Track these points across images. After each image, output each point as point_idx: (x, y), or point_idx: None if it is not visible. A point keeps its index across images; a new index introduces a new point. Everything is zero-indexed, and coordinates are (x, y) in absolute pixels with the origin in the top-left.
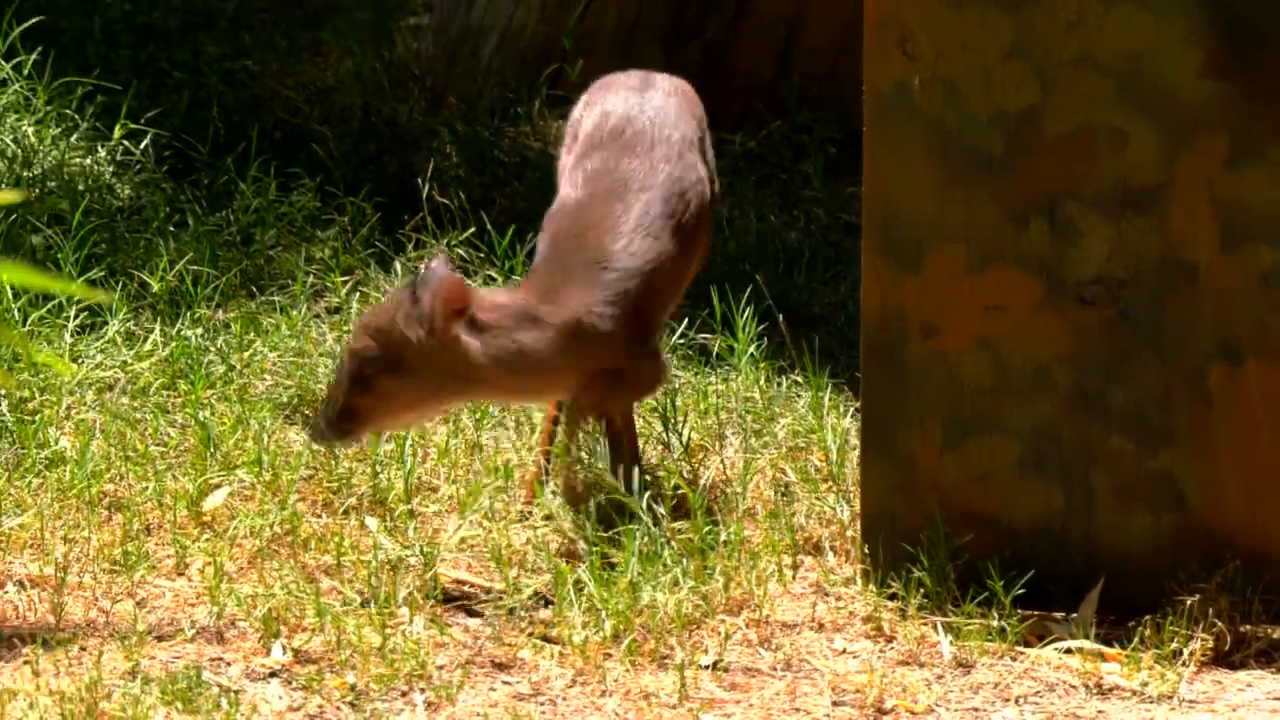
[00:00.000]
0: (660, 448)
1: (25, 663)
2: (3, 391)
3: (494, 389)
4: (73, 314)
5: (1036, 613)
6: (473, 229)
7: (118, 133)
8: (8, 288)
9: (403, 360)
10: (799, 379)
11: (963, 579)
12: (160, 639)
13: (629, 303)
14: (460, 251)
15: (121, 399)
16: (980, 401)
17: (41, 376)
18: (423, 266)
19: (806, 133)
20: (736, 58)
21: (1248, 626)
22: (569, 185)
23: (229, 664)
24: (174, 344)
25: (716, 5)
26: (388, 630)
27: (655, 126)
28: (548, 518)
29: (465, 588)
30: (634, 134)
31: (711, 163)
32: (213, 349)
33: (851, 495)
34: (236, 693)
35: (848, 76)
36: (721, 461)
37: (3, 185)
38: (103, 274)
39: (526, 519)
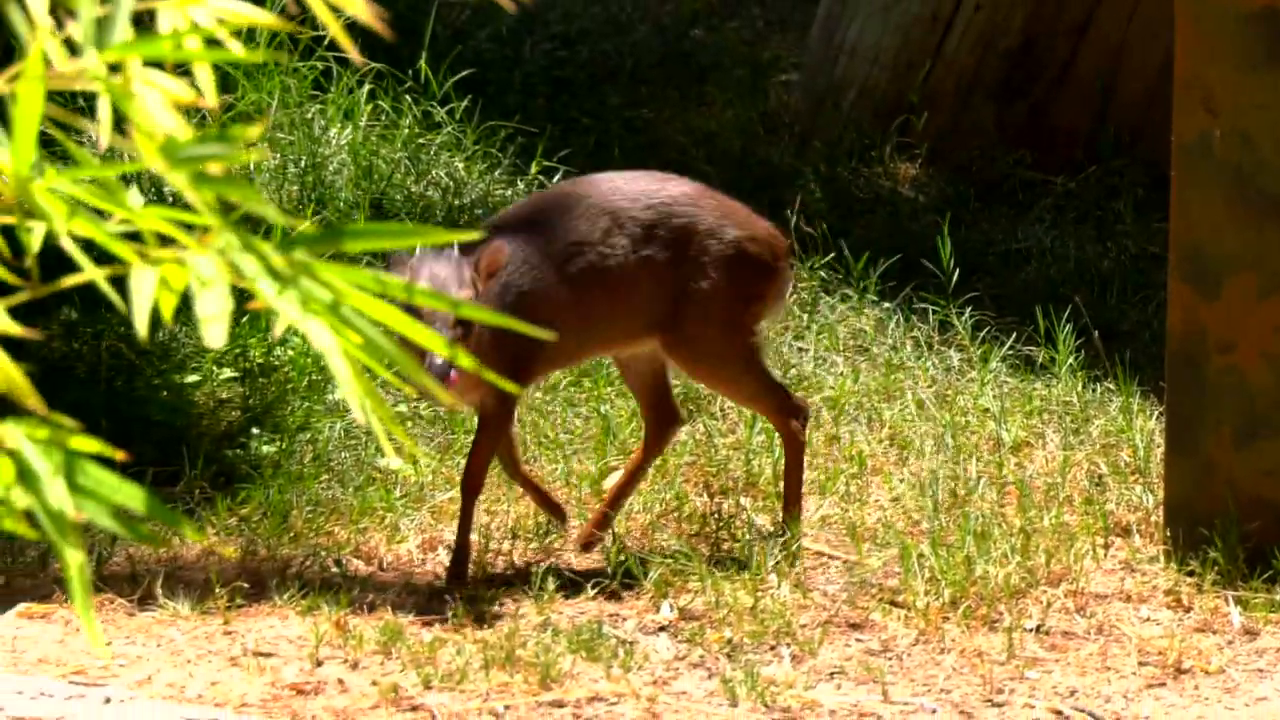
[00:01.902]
0: (992, 443)
1: (453, 615)
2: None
3: None
4: None
5: None
6: (833, 254)
7: (534, 169)
8: None
9: None
10: (1111, 386)
11: (1251, 559)
12: (567, 596)
13: None
14: (821, 274)
15: (535, 394)
16: (1268, 408)
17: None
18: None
19: (1119, 176)
20: (1059, 112)
21: None
22: None
23: (625, 619)
24: None
25: (1042, 67)
26: (759, 593)
27: None
28: (895, 500)
29: (824, 559)
30: None
31: None
32: None
33: (1156, 486)
34: (631, 643)
35: (1156, 128)
36: (1044, 456)
37: (437, 213)
38: None
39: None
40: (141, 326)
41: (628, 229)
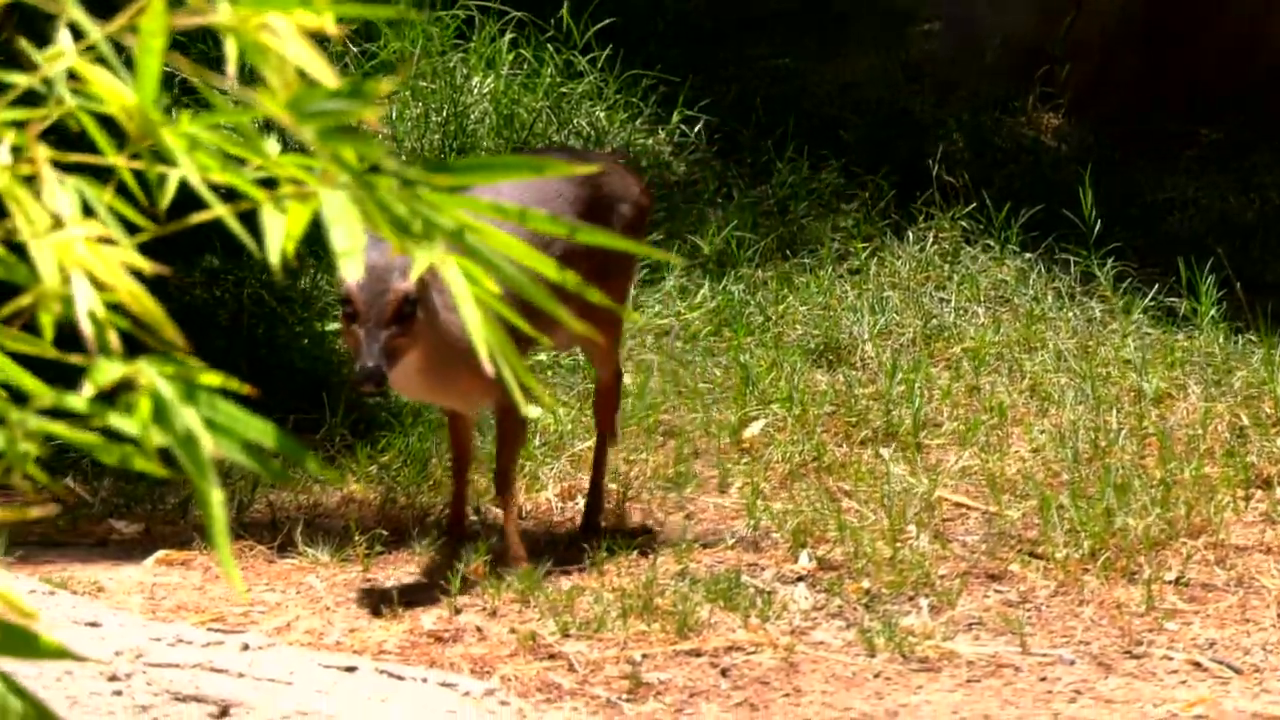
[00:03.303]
0: (1133, 394)
1: (592, 564)
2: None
3: None
4: (635, 272)
5: None
6: (974, 204)
7: (675, 118)
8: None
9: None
10: (1253, 338)
11: None
12: (705, 546)
13: None
14: (963, 224)
15: (675, 343)
16: None
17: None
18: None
19: (1264, 126)
20: (1204, 61)
21: None
22: None
23: (763, 569)
24: (720, 297)
25: (1187, 16)
26: (898, 544)
27: None
28: (1035, 451)
29: (964, 509)
30: None
31: None
32: (752, 302)
33: None
34: (769, 593)
35: None
36: (1185, 408)
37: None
38: (661, 237)
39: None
40: (274, 258)
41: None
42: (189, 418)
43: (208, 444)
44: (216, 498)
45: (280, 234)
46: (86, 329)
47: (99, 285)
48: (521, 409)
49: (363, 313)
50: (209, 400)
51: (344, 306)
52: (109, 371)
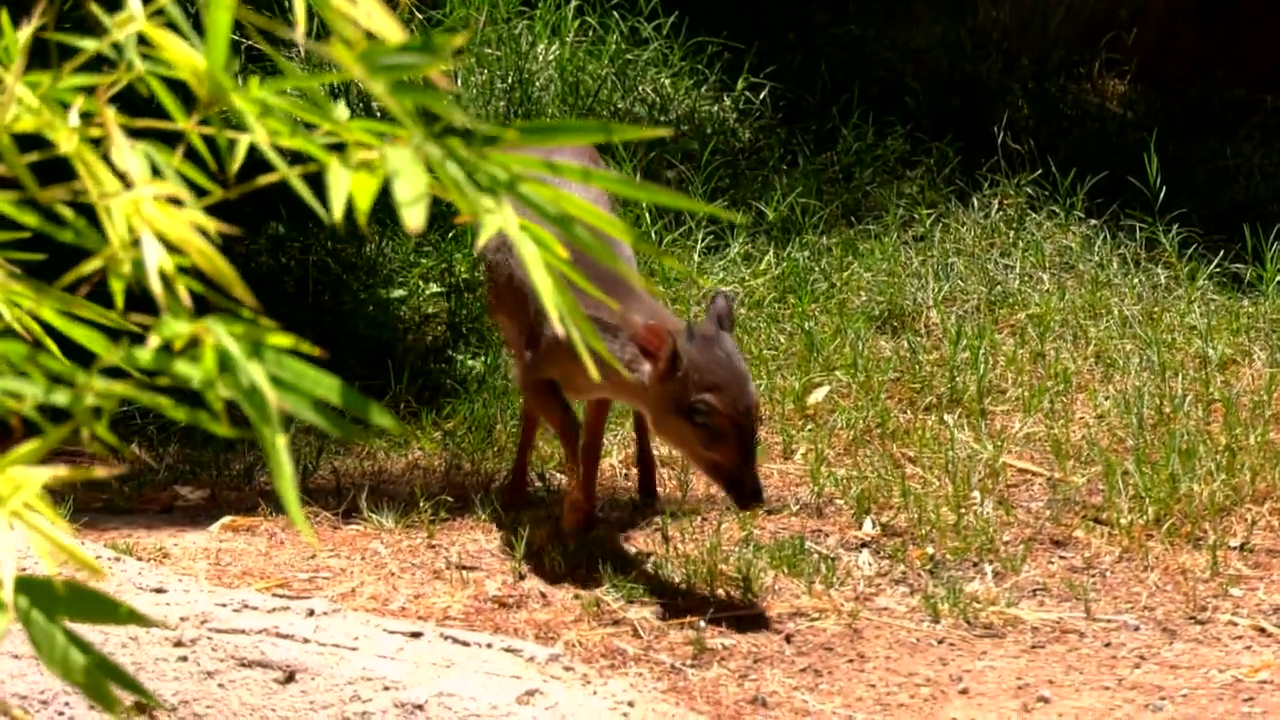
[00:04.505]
0: (1198, 360)
1: (656, 530)
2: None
3: None
4: (700, 238)
5: None
6: (1039, 170)
7: (740, 85)
8: (647, 211)
9: None
10: None
11: None
12: (769, 513)
13: None
14: (1028, 190)
15: (740, 309)
16: None
17: (673, 288)
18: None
19: None
20: (1268, 28)
21: None
22: None
23: (826, 535)
24: (785, 264)
25: None
26: (962, 510)
27: None
28: (1099, 418)
29: (1028, 475)
30: None
31: None
32: (817, 268)
33: None
34: (833, 559)
35: None
36: (1251, 374)
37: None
38: (725, 204)
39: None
40: (337, 212)
41: None
42: (254, 372)
43: (272, 397)
44: (281, 443)
45: (345, 189)
46: (155, 286)
47: (169, 246)
48: (592, 372)
49: (744, 434)
50: (276, 358)
51: (709, 417)
52: (175, 327)
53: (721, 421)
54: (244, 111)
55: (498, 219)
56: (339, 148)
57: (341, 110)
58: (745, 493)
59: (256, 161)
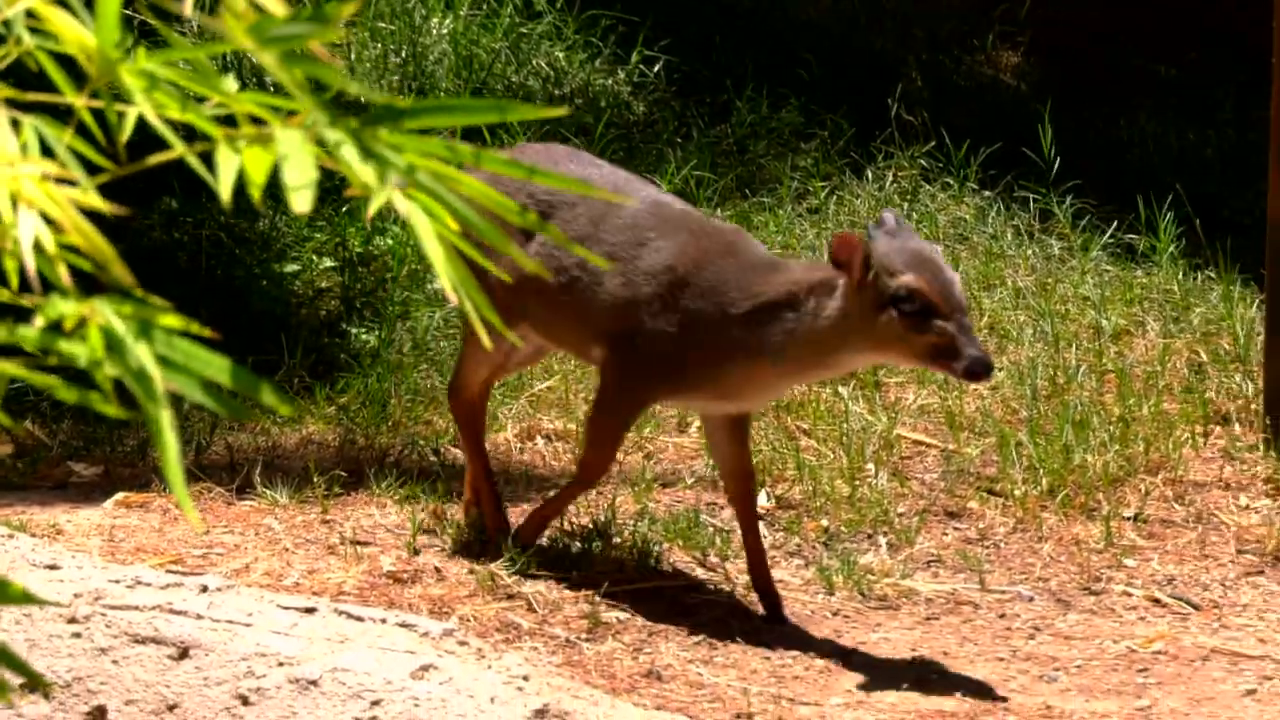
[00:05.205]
0: (1091, 331)
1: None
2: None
3: None
4: None
5: None
6: (933, 142)
7: (634, 58)
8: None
9: None
10: (1211, 274)
11: None
12: (664, 485)
13: None
14: (922, 162)
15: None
16: None
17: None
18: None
19: (1221, 64)
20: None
21: None
22: None
23: (721, 508)
24: None
25: None
26: (856, 482)
27: None
28: (994, 389)
29: (922, 447)
30: None
31: None
32: None
33: (1256, 374)
34: (727, 532)
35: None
36: (1144, 344)
37: (537, 102)
38: None
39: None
40: (225, 194)
41: None
42: (141, 353)
43: (158, 378)
44: (167, 422)
45: (233, 169)
46: (29, 263)
47: (52, 224)
48: (485, 342)
49: (953, 305)
50: (165, 338)
51: (913, 301)
52: (60, 307)
53: (928, 298)
54: (131, 85)
55: (385, 193)
56: (229, 120)
57: (230, 82)
58: (973, 365)
59: (150, 137)
